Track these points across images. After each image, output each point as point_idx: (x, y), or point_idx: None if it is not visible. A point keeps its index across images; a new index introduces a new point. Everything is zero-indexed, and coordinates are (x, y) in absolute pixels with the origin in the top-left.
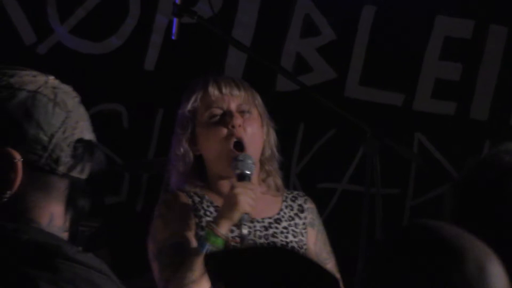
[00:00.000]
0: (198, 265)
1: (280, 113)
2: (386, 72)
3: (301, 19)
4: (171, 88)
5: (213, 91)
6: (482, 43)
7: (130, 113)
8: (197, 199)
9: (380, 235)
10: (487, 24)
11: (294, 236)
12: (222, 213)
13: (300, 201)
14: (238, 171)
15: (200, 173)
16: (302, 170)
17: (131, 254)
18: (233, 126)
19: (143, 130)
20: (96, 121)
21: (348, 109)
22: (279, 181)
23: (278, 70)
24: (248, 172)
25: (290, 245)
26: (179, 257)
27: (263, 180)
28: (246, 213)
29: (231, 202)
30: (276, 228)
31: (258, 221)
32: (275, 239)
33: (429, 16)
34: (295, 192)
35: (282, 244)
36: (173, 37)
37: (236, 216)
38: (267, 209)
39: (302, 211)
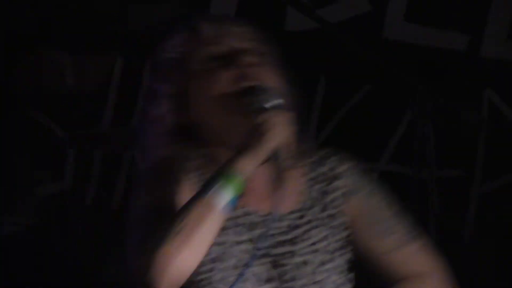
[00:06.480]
0: (198, 206)
1: (292, 62)
2: (443, 4)
3: None
4: (130, 32)
5: (206, 27)
6: None
7: (78, 63)
8: (191, 162)
9: (435, 232)
10: None
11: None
12: (245, 147)
13: (330, 164)
14: (261, 105)
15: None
16: (323, 143)
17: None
18: (242, 65)
19: (94, 88)
20: (34, 74)
21: (389, 56)
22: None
23: (288, 1)
24: (277, 102)
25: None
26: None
27: None
28: (278, 149)
29: (257, 132)
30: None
31: (281, 219)
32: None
33: None
34: (322, 152)
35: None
36: None
37: (265, 151)
38: (289, 194)
39: (337, 177)
